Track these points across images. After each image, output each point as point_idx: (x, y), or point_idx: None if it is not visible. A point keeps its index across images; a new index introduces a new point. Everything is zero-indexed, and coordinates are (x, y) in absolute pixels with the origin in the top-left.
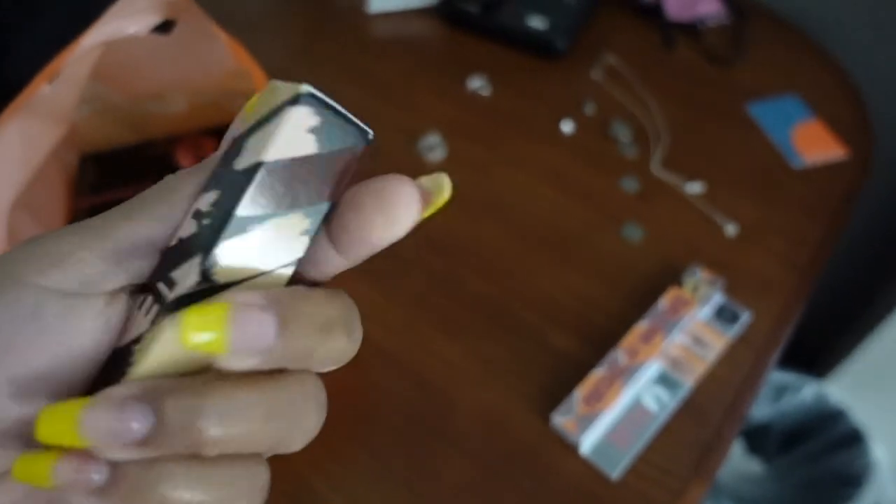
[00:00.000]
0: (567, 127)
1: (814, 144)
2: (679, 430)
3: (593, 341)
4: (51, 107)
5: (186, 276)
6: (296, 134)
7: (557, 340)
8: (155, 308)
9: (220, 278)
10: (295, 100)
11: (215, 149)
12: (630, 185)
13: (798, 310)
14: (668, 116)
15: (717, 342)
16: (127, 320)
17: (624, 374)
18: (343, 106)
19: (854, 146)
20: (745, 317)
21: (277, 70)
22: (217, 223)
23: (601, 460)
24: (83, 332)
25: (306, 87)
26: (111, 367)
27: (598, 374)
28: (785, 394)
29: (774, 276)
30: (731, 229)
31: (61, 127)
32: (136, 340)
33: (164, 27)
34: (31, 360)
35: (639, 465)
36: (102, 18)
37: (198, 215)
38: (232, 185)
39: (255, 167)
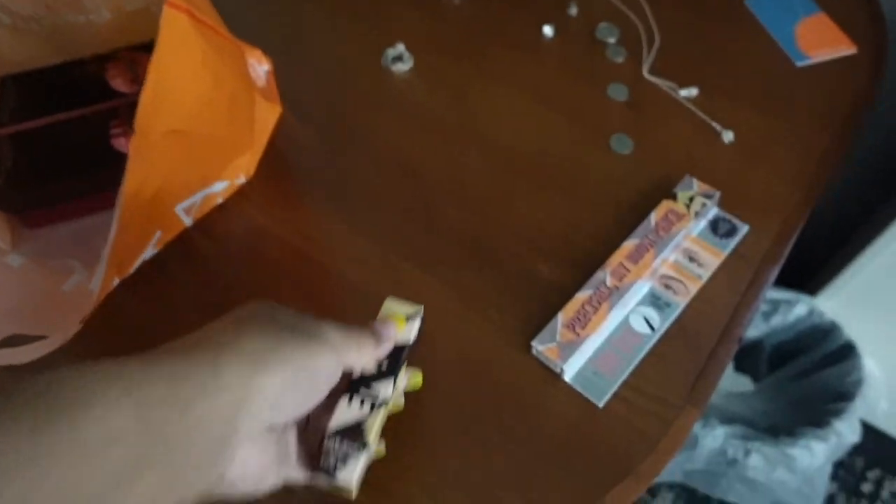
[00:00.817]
0: (549, 31)
1: (819, 40)
2: (670, 354)
3: (581, 266)
4: None
5: (385, 391)
6: (413, 329)
7: (542, 268)
8: (367, 405)
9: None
10: (416, 314)
11: None
12: (619, 92)
13: (799, 225)
14: (659, 15)
15: (714, 259)
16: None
17: (611, 297)
18: (303, 22)
19: (864, 41)
20: (744, 230)
21: None
22: (391, 368)
23: (586, 388)
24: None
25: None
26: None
27: (581, 297)
28: (777, 311)
29: (775, 190)
30: (728, 137)
31: None
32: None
33: None
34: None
35: (627, 394)
36: None
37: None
38: (393, 353)
39: (405, 347)
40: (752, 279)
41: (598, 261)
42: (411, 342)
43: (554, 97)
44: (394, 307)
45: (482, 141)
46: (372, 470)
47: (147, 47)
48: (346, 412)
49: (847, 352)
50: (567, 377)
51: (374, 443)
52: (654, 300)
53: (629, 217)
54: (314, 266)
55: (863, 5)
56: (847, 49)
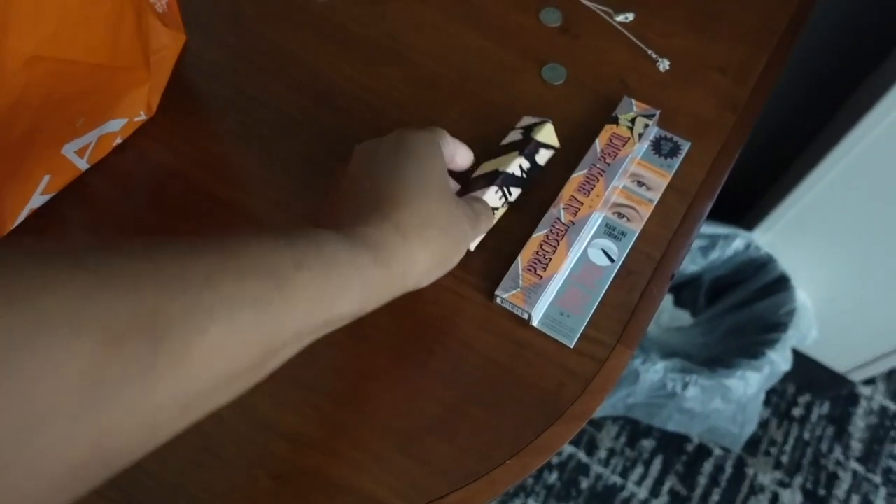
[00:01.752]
0: None
1: None
2: (604, 294)
3: (518, 204)
4: None
5: (516, 194)
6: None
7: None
8: (503, 200)
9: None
10: (545, 122)
11: None
12: (552, 17)
13: (735, 153)
14: None
15: (661, 180)
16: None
17: (567, 233)
18: None
19: None
20: (686, 147)
21: None
22: (527, 179)
23: (555, 330)
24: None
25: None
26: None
27: (538, 237)
28: (715, 246)
29: (711, 117)
30: (665, 65)
31: None
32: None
33: None
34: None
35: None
36: None
37: (521, 169)
38: (534, 167)
39: (540, 168)
40: (686, 211)
41: (541, 197)
42: (543, 165)
43: (483, 21)
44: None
45: (405, 64)
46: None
47: None
48: (491, 198)
49: (781, 284)
50: (535, 322)
51: (495, 220)
52: (609, 230)
53: (569, 148)
54: (224, 205)
55: None
56: None
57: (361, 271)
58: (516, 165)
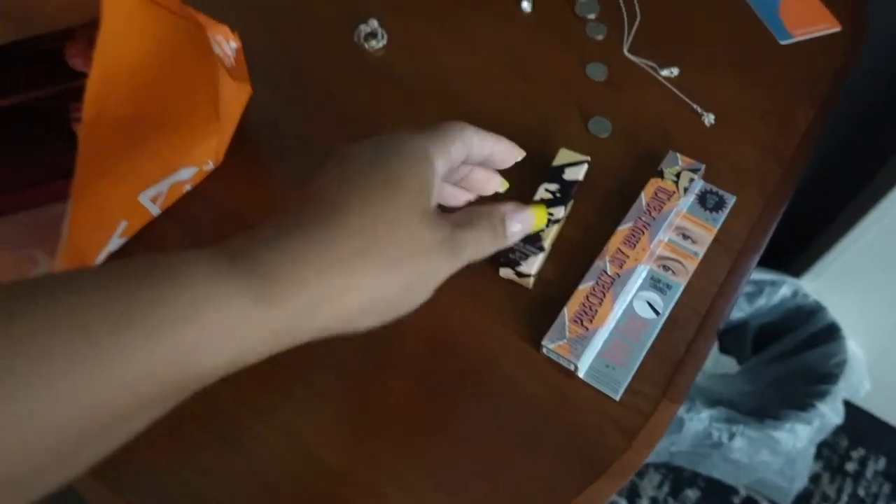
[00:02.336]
0: (527, 6)
1: (803, 17)
2: (649, 347)
3: (569, 257)
4: None
5: (558, 212)
6: (581, 171)
7: None
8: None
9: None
10: (585, 162)
11: None
12: (598, 72)
13: (781, 207)
14: None
15: (706, 234)
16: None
17: (613, 285)
18: None
19: (847, 18)
20: (732, 201)
21: None
22: (563, 197)
23: (601, 382)
24: None
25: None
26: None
27: (584, 289)
28: (762, 292)
29: (757, 168)
30: (710, 119)
31: None
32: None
33: None
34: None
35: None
36: None
37: (548, 191)
38: (564, 186)
39: (576, 183)
40: (732, 266)
41: (587, 249)
42: (580, 180)
43: (531, 75)
44: (567, 154)
45: (455, 113)
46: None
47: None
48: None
49: (831, 333)
50: (581, 373)
51: (548, 248)
52: (654, 283)
53: (613, 201)
54: None
55: None
56: (831, 27)
57: (230, 315)
58: (542, 191)
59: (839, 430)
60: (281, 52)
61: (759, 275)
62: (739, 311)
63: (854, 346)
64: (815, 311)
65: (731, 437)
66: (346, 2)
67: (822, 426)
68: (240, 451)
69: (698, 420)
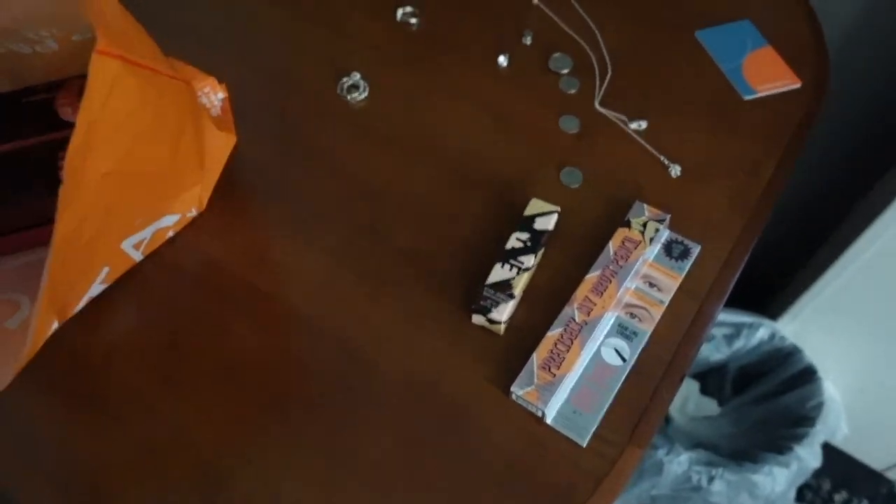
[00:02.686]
0: (503, 61)
1: (766, 73)
2: (616, 393)
3: (534, 301)
4: None
5: (528, 261)
6: (551, 221)
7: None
8: (514, 270)
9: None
10: (555, 212)
11: None
12: (570, 124)
13: (744, 255)
14: (612, 47)
15: (672, 282)
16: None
17: (581, 332)
18: (261, 28)
19: (808, 74)
20: (696, 250)
21: None
22: (533, 246)
23: (568, 428)
24: None
25: (558, 209)
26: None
27: (552, 335)
28: (740, 335)
29: (721, 218)
30: (676, 171)
31: None
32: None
33: None
34: None
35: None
36: None
37: (519, 240)
38: (535, 235)
39: (546, 232)
40: (697, 313)
41: (556, 296)
42: (550, 230)
43: (507, 127)
44: (538, 204)
45: (433, 162)
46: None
47: None
48: (499, 273)
49: (808, 375)
50: (549, 419)
51: (518, 296)
52: (621, 330)
53: (583, 250)
54: (266, 298)
55: (808, 38)
56: (792, 83)
57: None
58: (514, 239)
59: (822, 473)
60: (267, 103)
61: (736, 317)
62: (719, 352)
63: (831, 388)
64: (791, 353)
65: (711, 480)
66: (330, 55)
67: (800, 469)
68: (221, 497)
69: (678, 463)
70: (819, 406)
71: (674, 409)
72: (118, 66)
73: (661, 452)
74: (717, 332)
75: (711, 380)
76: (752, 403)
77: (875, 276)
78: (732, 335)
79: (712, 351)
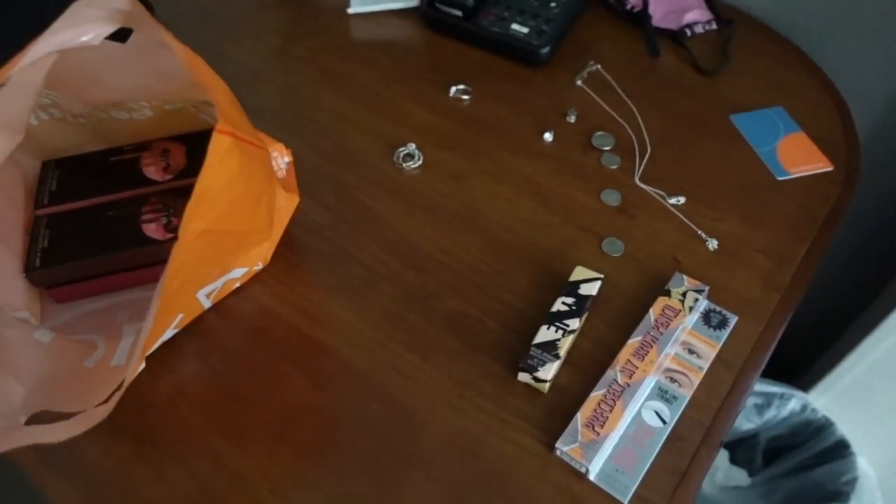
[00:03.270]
0: (549, 137)
1: (799, 157)
2: (656, 455)
3: (576, 364)
4: (1, 115)
5: (573, 323)
6: (594, 287)
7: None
8: (560, 332)
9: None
10: (599, 279)
11: (186, 154)
12: (611, 197)
13: (779, 331)
14: (651, 127)
15: (710, 350)
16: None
17: (623, 394)
18: (320, 110)
19: (840, 159)
20: (734, 321)
21: (253, 71)
22: (578, 310)
23: (610, 486)
24: None
25: (602, 276)
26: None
27: (596, 396)
28: (771, 405)
29: (755, 296)
30: (713, 245)
31: (15, 135)
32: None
33: (120, 36)
34: None
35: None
36: (52, 27)
37: (564, 304)
38: (579, 300)
39: (590, 297)
40: (732, 385)
41: (598, 360)
42: (594, 294)
43: (551, 197)
44: (583, 271)
45: (480, 232)
46: None
47: (179, 138)
48: (545, 334)
49: (841, 449)
50: (592, 476)
51: (563, 356)
52: (661, 394)
53: (624, 317)
54: (317, 349)
55: (839, 126)
56: (824, 166)
57: None
58: (559, 303)
59: None
60: (326, 174)
61: (767, 387)
62: (749, 422)
63: (864, 464)
64: (824, 426)
65: None
66: (386, 132)
67: None
68: None
69: None
70: (853, 481)
71: None
72: (230, 142)
73: None
74: (749, 401)
75: (742, 450)
76: (783, 476)
77: None
78: (763, 405)
79: (742, 420)
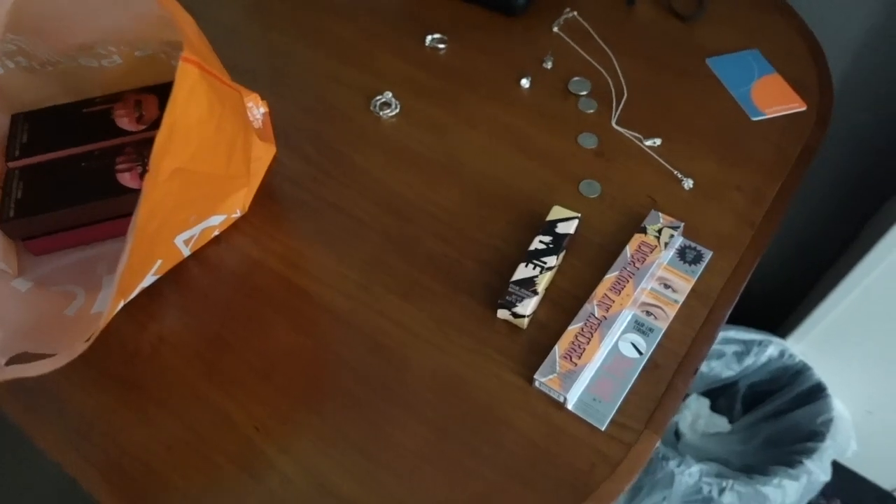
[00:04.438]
0: (526, 83)
1: (773, 98)
2: (633, 384)
3: (555, 300)
4: None
5: (550, 260)
6: (572, 226)
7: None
8: (538, 269)
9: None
10: (576, 218)
11: (158, 105)
12: (589, 140)
13: (752, 265)
14: (628, 72)
15: (685, 284)
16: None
17: (600, 327)
18: (297, 65)
19: (813, 100)
20: (709, 256)
21: (231, 28)
22: (555, 248)
23: (588, 414)
24: None
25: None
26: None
27: (573, 329)
28: (750, 352)
29: (730, 232)
30: (689, 184)
31: None
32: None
33: None
34: None
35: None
36: None
37: (542, 243)
38: (557, 238)
39: (567, 236)
40: (707, 316)
41: (576, 297)
42: (571, 233)
43: (528, 143)
44: (560, 210)
45: (460, 180)
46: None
47: (151, 89)
48: (523, 271)
49: (817, 392)
50: (570, 405)
51: (542, 292)
52: (638, 326)
53: (601, 254)
54: (300, 295)
55: (812, 68)
56: (798, 106)
57: None
58: (537, 242)
59: (832, 491)
60: (303, 125)
61: (746, 334)
62: (729, 369)
63: (840, 406)
64: (801, 370)
65: (721, 491)
66: (363, 83)
67: (809, 483)
68: (262, 482)
69: (689, 475)
70: (828, 422)
71: (684, 425)
72: (197, 73)
73: (672, 464)
74: (727, 349)
75: (722, 397)
76: (762, 420)
77: (880, 298)
78: (742, 352)
79: (722, 368)
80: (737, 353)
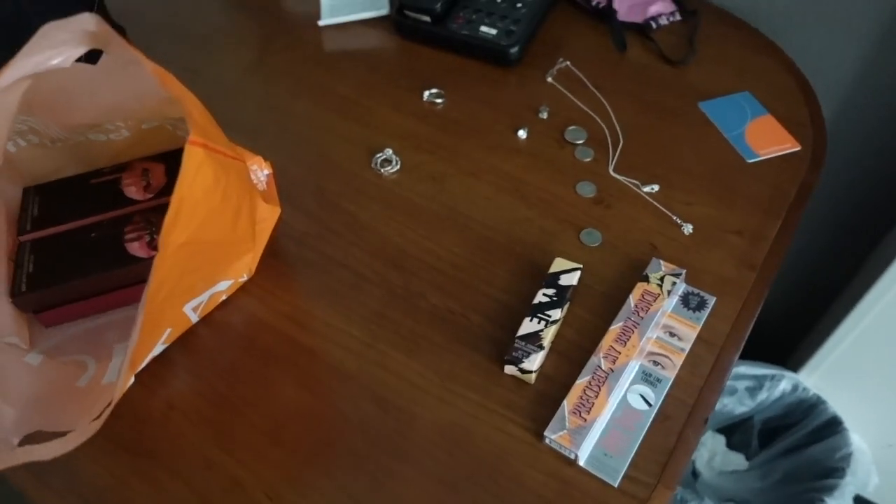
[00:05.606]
0: (522, 134)
1: (767, 139)
2: (643, 436)
3: (561, 352)
4: None
5: (555, 314)
6: (574, 277)
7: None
8: (543, 323)
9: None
10: (578, 269)
11: (165, 172)
12: (587, 189)
13: (756, 308)
14: (623, 118)
15: (690, 331)
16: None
17: (608, 379)
18: (297, 121)
19: (807, 137)
20: (712, 302)
21: (232, 84)
22: (559, 301)
23: (600, 470)
24: None
25: (581, 266)
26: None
27: (581, 383)
28: (762, 387)
29: (732, 276)
30: (688, 229)
31: None
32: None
33: (91, 57)
34: None
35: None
36: (21, 51)
37: (546, 296)
38: (560, 290)
39: (570, 287)
40: (714, 362)
41: (582, 347)
42: (574, 285)
43: (528, 193)
44: (562, 262)
45: (461, 231)
46: None
47: (158, 157)
48: (528, 326)
49: (834, 426)
50: (582, 462)
51: (548, 346)
52: (646, 377)
53: (605, 304)
54: (306, 354)
55: (804, 107)
56: (792, 147)
57: None
58: (541, 295)
59: None
60: (306, 183)
61: (758, 369)
62: (742, 405)
63: (858, 439)
64: (815, 404)
65: None
66: (363, 139)
67: None
68: None
69: None
70: (847, 457)
71: (701, 463)
72: (203, 153)
73: None
74: (740, 384)
75: (738, 434)
76: (779, 456)
77: (891, 327)
78: (755, 388)
79: (736, 404)
80: (749, 388)
